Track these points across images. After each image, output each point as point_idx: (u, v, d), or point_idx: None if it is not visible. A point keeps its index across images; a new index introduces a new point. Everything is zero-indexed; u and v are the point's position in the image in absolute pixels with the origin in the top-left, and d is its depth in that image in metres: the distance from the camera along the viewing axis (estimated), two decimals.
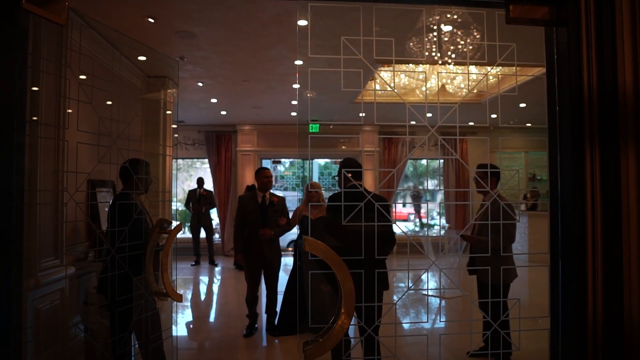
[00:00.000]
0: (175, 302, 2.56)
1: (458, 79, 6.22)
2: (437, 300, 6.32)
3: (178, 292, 2.41)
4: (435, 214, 11.09)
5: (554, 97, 1.85)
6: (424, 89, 6.46)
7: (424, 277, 6.53)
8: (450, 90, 6.36)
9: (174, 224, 2.44)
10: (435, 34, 4.15)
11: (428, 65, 5.48)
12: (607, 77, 1.70)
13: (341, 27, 3.66)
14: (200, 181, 9.29)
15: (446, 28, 4.04)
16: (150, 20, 4.01)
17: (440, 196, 14.19)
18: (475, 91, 6.85)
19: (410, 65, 5.83)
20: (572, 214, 1.75)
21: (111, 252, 2.22)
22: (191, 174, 14.54)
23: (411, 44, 4.76)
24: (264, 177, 4.93)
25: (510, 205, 3.44)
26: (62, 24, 1.89)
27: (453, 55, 4.20)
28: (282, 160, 12.87)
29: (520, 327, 1.78)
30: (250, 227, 4.84)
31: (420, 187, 14.32)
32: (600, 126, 1.69)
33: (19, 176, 1.57)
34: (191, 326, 5.54)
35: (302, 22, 4.05)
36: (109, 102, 2.38)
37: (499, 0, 1.85)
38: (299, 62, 5.39)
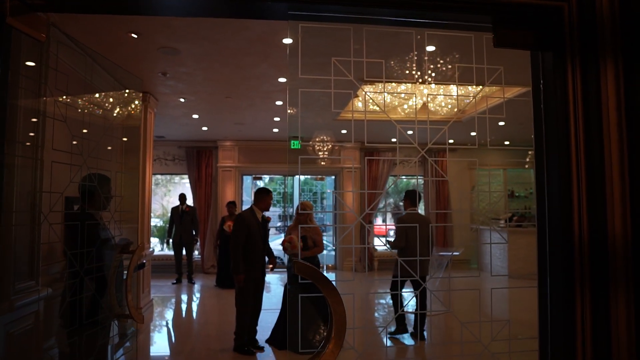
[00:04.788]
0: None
1: (439, 98, 6.31)
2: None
3: (155, 310, 2.34)
4: None
5: (540, 119, 1.88)
6: (405, 107, 6.54)
7: (405, 294, 6.50)
8: (432, 109, 6.45)
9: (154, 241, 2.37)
10: (420, 54, 4.21)
11: (413, 85, 5.55)
12: (591, 102, 1.74)
13: (327, 46, 3.67)
14: (182, 197, 9.13)
15: (430, 48, 4.10)
16: (134, 35, 3.96)
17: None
18: (455, 110, 6.97)
19: (393, 84, 5.90)
20: (560, 233, 1.76)
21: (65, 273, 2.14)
22: (170, 189, 14.35)
23: (392, 62, 4.83)
24: (270, 199, 4.94)
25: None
26: (41, 40, 1.86)
27: (434, 75, 4.26)
28: (262, 176, 12.81)
29: (510, 348, 1.77)
30: (252, 246, 4.74)
31: (401, 204, 14.40)
32: (586, 144, 1.73)
33: None
34: (171, 345, 5.40)
35: (287, 41, 4.06)
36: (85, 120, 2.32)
37: (487, 25, 1.88)
38: (282, 80, 5.40)
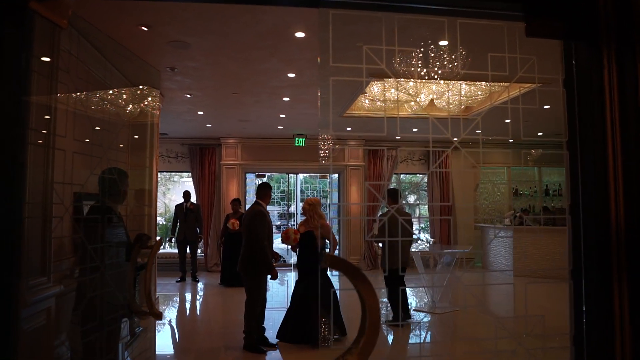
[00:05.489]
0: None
1: (448, 94, 6.27)
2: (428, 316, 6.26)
3: (160, 308, 2.29)
4: (421, 228, 11.09)
5: (573, 110, 1.84)
6: (412, 103, 6.48)
7: (410, 291, 6.46)
8: (439, 106, 6.41)
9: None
10: (435, 48, 4.17)
11: (420, 81, 5.48)
12: (628, 91, 1.69)
13: (336, 39, 3.59)
14: (186, 195, 9.06)
15: (442, 43, 4.05)
16: (144, 28, 3.90)
17: (419, 211, 14.27)
18: (462, 106, 6.93)
19: (402, 79, 5.84)
20: (595, 225, 1.72)
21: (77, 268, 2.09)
22: (169, 188, 14.28)
23: (398, 59, 4.77)
24: (272, 192, 5.05)
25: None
26: (63, 26, 1.81)
27: (454, 67, 4.21)
28: (265, 174, 12.76)
29: (544, 344, 1.73)
30: (269, 242, 4.79)
31: (404, 202, 14.36)
32: (623, 133, 1.69)
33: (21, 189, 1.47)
34: (175, 345, 5.36)
35: (300, 34, 4.00)
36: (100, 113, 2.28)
37: (517, 13, 1.84)
38: (292, 75, 5.34)
